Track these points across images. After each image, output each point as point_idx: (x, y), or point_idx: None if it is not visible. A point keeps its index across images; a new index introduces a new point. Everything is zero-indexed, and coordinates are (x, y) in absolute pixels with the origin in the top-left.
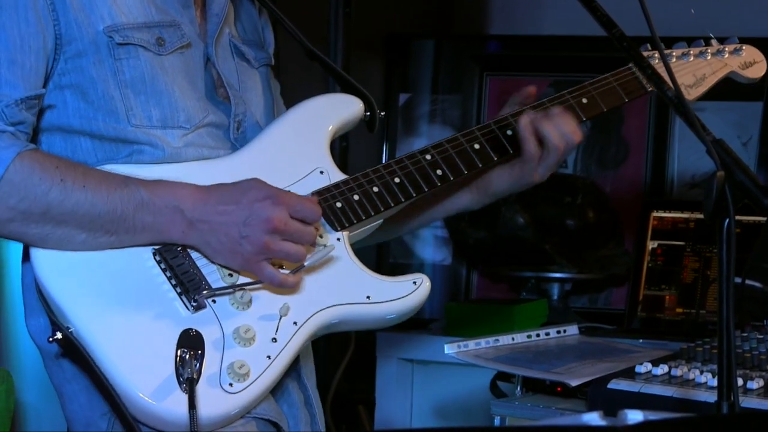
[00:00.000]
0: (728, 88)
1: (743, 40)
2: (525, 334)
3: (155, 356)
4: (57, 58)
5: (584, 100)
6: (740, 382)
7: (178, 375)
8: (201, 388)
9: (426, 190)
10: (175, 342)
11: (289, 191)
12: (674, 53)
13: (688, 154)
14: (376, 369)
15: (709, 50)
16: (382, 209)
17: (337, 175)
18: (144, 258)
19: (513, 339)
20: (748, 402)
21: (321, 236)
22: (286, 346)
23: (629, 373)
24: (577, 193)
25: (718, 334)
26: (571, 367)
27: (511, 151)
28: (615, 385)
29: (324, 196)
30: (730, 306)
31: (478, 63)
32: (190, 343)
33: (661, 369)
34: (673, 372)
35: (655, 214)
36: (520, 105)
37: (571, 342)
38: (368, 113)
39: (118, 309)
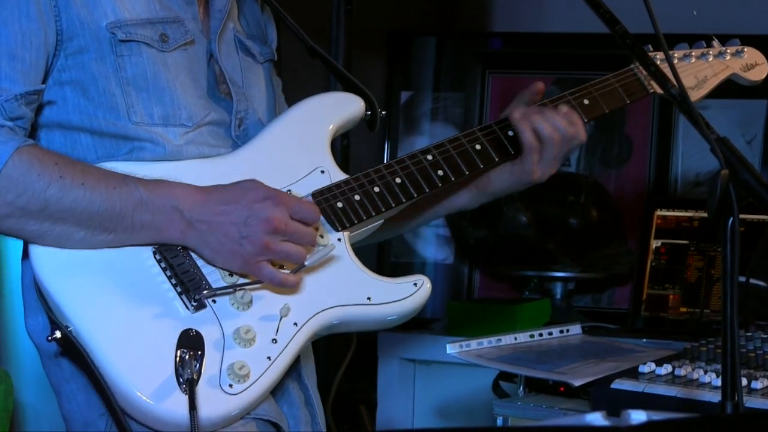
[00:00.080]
0: (732, 86)
1: (744, 38)
2: (527, 334)
3: (155, 356)
4: (57, 54)
5: (586, 101)
6: (744, 381)
7: (178, 375)
8: (201, 388)
9: (427, 190)
10: (175, 342)
11: (288, 193)
12: (676, 54)
13: (692, 152)
14: (378, 369)
15: (711, 52)
16: (383, 209)
17: (338, 175)
18: (144, 257)
19: (515, 339)
20: (752, 402)
21: (322, 236)
22: (286, 347)
23: (633, 373)
24: (580, 192)
25: (722, 333)
26: (574, 366)
27: (513, 152)
28: (618, 385)
29: (325, 195)
30: (735, 305)
31: (481, 60)
32: (190, 343)
33: (665, 369)
34: (677, 372)
35: (658, 212)
36: (528, 103)
37: (574, 342)
38: (369, 112)
39: (118, 308)
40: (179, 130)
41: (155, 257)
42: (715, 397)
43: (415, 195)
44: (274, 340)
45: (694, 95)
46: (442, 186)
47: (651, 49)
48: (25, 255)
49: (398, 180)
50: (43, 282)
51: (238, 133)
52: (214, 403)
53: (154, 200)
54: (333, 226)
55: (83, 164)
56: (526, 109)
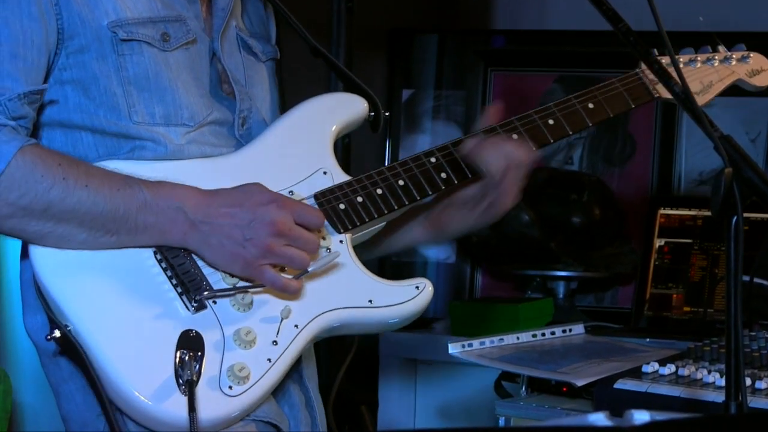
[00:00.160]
0: (736, 85)
1: (746, 35)
2: (530, 334)
3: (154, 357)
4: (58, 53)
5: (590, 105)
6: (748, 381)
7: (178, 376)
8: (200, 390)
9: (430, 193)
10: (175, 343)
11: (292, 198)
12: (681, 59)
13: (695, 150)
14: (379, 369)
15: (716, 57)
16: (386, 212)
17: (341, 176)
18: (144, 257)
19: (518, 338)
20: (756, 402)
21: (324, 238)
22: (286, 349)
23: (636, 373)
24: (583, 191)
25: (726, 333)
26: (577, 366)
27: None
28: (621, 385)
29: (327, 197)
30: (738, 304)
31: (483, 58)
32: (190, 344)
33: (668, 369)
34: (681, 372)
35: (662, 211)
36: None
37: (576, 341)
38: (372, 113)
39: (118, 308)
40: (181, 130)
41: (156, 257)
42: (719, 397)
43: (418, 198)
44: (275, 342)
45: (700, 100)
46: (445, 189)
47: (657, 53)
48: (24, 255)
49: (401, 182)
50: (42, 281)
51: (241, 132)
52: (213, 405)
53: (158, 202)
54: (335, 228)
55: (87, 165)
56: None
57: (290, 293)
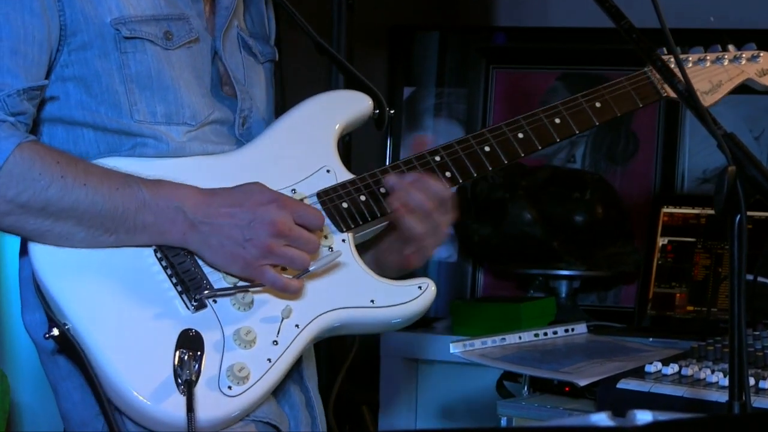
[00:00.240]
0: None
1: (754, 32)
2: (532, 333)
3: (153, 356)
4: (60, 50)
5: (598, 104)
6: (752, 381)
7: (177, 376)
8: (199, 390)
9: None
10: (174, 342)
11: (293, 197)
12: (690, 58)
13: (699, 148)
14: (380, 369)
15: (725, 56)
16: (389, 211)
17: (344, 174)
18: (144, 255)
19: (520, 338)
20: (760, 402)
21: (326, 237)
22: (287, 349)
23: (639, 373)
24: (586, 189)
25: (730, 332)
26: (580, 366)
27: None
28: (624, 384)
29: (330, 195)
30: (742, 304)
31: (485, 55)
32: (190, 343)
33: (672, 368)
34: (684, 371)
35: (665, 209)
36: None
37: (579, 341)
38: (377, 111)
39: (117, 307)
40: (182, 129)
41: (156, 255)
42: (723, 397)
43: None
44: (275, 342)
45: (709, 100)
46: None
47: (665, 52)
48: (24, 252)
49: None
50: (42, 279)
51: (241, 132)
52: (212, 405)
53: (157, 202)
54: (338, 227)
55: (86, 163)
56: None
57: (291, 293)
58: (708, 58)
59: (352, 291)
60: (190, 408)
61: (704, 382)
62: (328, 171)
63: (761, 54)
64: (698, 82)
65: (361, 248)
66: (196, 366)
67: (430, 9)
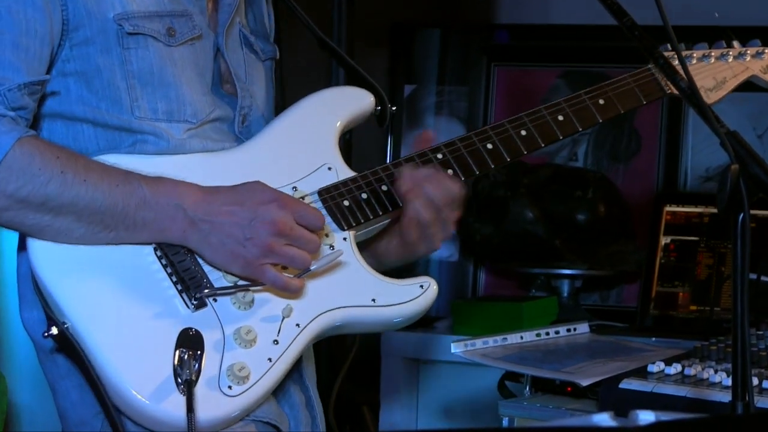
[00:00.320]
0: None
1: (758, 29)
2: (534, 333)
3: (153, 355)
4: (62, 45)
5: (601, 101)
6: (755, 381)
7: (177, 376)
8: (199, 390)
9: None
10: (174, 341)
11: (293, 197)
12: (695, 54)
13: (702, 146)
14: (381, 369)
15: (730, 53)
16: (391, 209)
17: (345, 172)
18: (144, 253)
19: (521, 337)
20: (763, 402)
21: (327, 235)
22: (287, 348)
23: (641, 373)
24: (588, 187)
25: (733, 332)
26: (582, 366)
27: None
28: (627, 384)
29: (331, 193)
30: (745, 303)
31: (486, 53)
32: (190, 342)
33: (674, 368)
34: (687, 371)
35: (667, 208)
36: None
37: (581, 340)
38: (379, 107)
39: (116, 305)
40: (183, 126)
41: (156, 254)
42: (726, 397)
43: None
44: (276, 342)
45: (713, 96)
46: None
47: (669, 48)
48: (22, 247)
49: None
50: (40, 277)
51: (241, 129)
52: (212, 405)
53: (157, 199)
54: (339, 225)
55: (86, 159)
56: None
57: (292, 292)
58: (712, 54)
59: (353, 290)
60: (190, 408)
61: (707, 382)
62: (329, 168)
63: (766, 50)
64: (702, 78)
65: (362, 242)
66: (196, 365)
67: (432, 6)
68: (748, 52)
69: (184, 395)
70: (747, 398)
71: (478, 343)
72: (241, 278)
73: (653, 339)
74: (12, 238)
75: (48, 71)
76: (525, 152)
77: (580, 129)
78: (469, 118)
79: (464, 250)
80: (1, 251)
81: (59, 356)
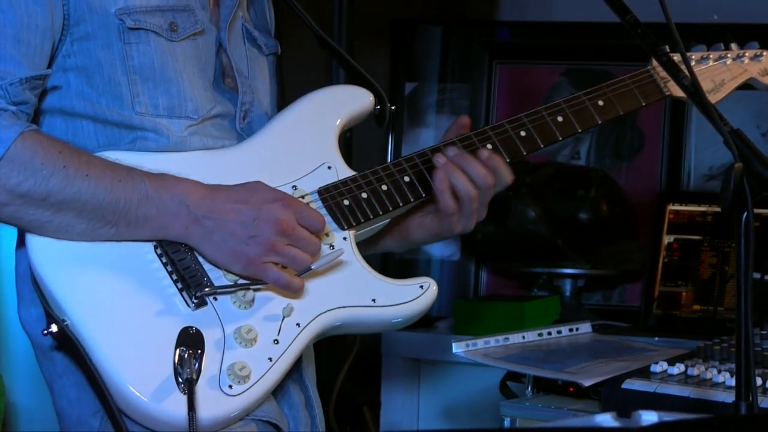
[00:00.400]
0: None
1: (754, 27)
2: (536, 332)
3: (153, 354)
4: (63, 39)
5: (600, 103)
6: (759, 381)
7: (177, 375)
8: (200, 389)
9: (424, 195)
10: (174, 340)
11: (294, 196)
12: (693, 56)
13: (705, 144)
14: (382, 369)
15: (728, 55)
16: (391, 209)
17: (345, 171)
18: (144, 251)
19: (523, 337)
20: (767, 402)
21: (327, 234)
22: (288, 348)
23: (644, 373)
24: (591, 186)
25: (737, 331)
26: (584, 366)
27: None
28: (629, 385)
29: (331, 192)
30: (749, 303)
31: (488, 50)
32: (190, 341)
33: (677, 368)
34: (690, 371)
35: (671, 207)
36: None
37: (583, 340)
38: (378, 107)
39: (116, 303)
40: (184, 123)
41: (156, 252)
42: (729, 397)
43: (423, 195)
44: (276, 341)
45: (711, 99)
46: None
47: (669, 50)
48: (21, 244)
49: (406, 178)
50: (39, 273)
51: (242, 126)
52: (213, 404)
53: (160, 194)
54: (339, 225)
55: (88, 154)
56: (449, 164)
57: (293, 291)
58: (711, 56)
59: (353, 290)
60: (192, 407)
61: (710, 383)
62: (329, 168)
63: (764, 53)
64: (701, 80)
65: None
66: (197, 364)
67: (433, 2)
68: (746, 54)
69: (184, 394)
70: (751, 398)
71: (480, 343)
72: (242, 277)
73: (656, 339)
74: (9, 236)
75: (49, 66)
76: (525, 153)
77: (580, 130)
78: (470, 116)
79: (466, 250)
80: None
81: (57, 354)
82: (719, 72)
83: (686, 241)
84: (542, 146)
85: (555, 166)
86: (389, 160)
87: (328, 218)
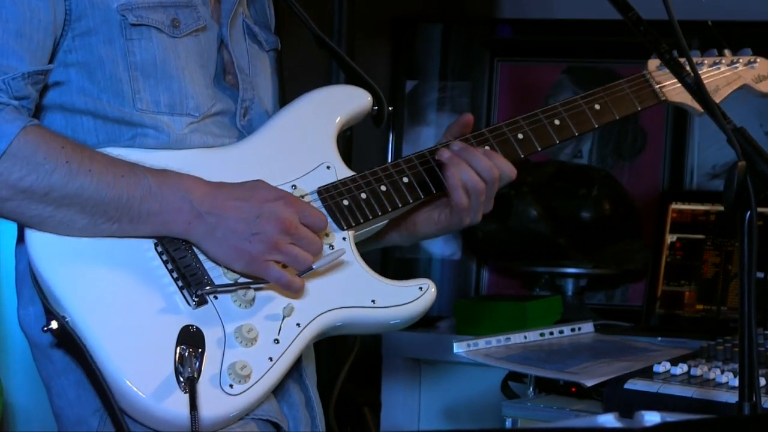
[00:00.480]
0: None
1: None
2: (538, 332)
3: (154, 352)
4: (64, 35)
5: (597, 107)
6: (762, 381)
7: (178, 373)
8: (200, 388)
9: (434, 191)
10: (175, 338)
11: (296, 195)
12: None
13: (708, 143)
14: (382, 369)
15: (722, 61)
16: (390, 209)
17: (344, 171)
18: (144, 248)
19: (525, 337)
20: None
21: (327, 234)
22: (288, 347)
23: (647, 373)
24: (593, 185)
25: (740, 331)
26: (586, 366)
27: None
28: (632, 385)
29: (331, 193)
30: (752, 302)
31: (489, 48)
32: (191, 340)
33: (680, 368)
34: (693, 371)
35: (673, 206)
36: (457, 136)
37: (586, 340)
38: (376, 107)
39: (117, 301)
40: (185, 120)
41: (156, 249)
42: (733, 397)
43: (422, 196)
44: (277, 341)
45: None
46: None
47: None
48: (21, 240)
49: (405, 179)
50: (39, 269)
51: (243, 123)
52: (213, 404)
53: (163, 190)
54: (338, 225)
55: (91, 150)
56: (458, 159)
57: (294, 291)
58: (705, 62)
59: (353, 291)
60: (194, 406)
61: (714, 383)
62: (328, 167)
63: (758, 60)
64: None
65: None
66: (197, 363)
67: (434, 0)
68: (740, 60)
69: (185, 393)
70: (754, 399)
71: (481, 342)
72: (243, 275)
73: (659, 339)
74: (8, 236)
75: (50, 61)
76: (522, 156)
77: (576, 134)
78: (471, 114)
79: (467, 249)
80: None
81: (56, 353)
82: (713, 78)
83: (689, 241)
84: (539, 149)
85: (557, 164)
86: (389, 160)
87: (327, 218)
